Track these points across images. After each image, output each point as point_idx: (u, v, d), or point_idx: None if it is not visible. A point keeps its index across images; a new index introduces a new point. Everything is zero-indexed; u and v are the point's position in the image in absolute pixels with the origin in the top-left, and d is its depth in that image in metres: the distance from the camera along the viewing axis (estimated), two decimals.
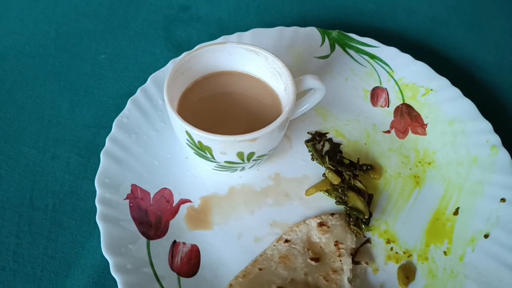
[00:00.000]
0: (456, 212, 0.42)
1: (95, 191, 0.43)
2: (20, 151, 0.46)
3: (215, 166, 0.42)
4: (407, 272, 0.39)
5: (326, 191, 0.43)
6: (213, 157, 0.40)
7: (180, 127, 0.38)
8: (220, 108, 0.44)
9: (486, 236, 0.40)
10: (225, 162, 0.40)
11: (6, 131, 0.48)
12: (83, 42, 0.56)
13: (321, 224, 0.41)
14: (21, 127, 0.48)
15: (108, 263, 0.39)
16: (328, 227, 0.41)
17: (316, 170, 0.45)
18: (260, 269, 0.38)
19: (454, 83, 0.49)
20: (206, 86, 0.44)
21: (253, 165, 0.43)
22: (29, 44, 0.55)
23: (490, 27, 0.61)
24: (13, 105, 0.50)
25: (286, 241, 0.40)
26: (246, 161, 0.40)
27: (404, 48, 0.52)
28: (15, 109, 0.49)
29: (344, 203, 0.42)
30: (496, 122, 0.46)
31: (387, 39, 0.53)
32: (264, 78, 0.44)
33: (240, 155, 0.39)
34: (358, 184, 0.43)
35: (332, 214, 0.42)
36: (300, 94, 0.42)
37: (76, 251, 0.41)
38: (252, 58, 0.44)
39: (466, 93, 0.48)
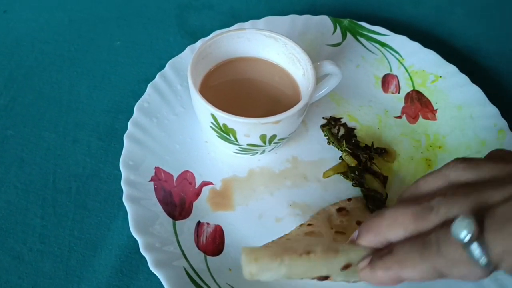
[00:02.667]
0: None
1: (117, 174, 0.44)
2: (41, 135, 0.47)
3: (236, 149, 0.43)
4: None
5: (343, 173, 0.45)
6: (236, 140, 0.41)
7: (206, 109, 0.39)
8: (239, 93, 0.45)
9: None
10: (247, 144, 0.41)
11: (25, 116, 0.48)
12: (97, 28, 0.56)
13: (340, 209, 0.42)
14: (40, 112, 0.49)
15: (134, 244, 0.40)
16: (347, 211, 0.42)
17: (332, 154, 0.46)
18: (288, 239, 0.39)
19: (461, 70, 0.51)
20: (225, 71, 0.45)
21: (272, 148, 0.44)
22: (43, 30, 0.56)
23: (493, 17, 0.63)
24: (30, 90, 0.50)
25: (309, 224, 0.41)
26: (267, 143, 0.42)
27: (412, 37, 0.54)
28: (33, 94, 0.50)
29: (361, 184, 0.44)
30: (503, 107, 0.48)
31: (395, 28, 0.55)
32: (282, 63, 0.46)
33: (263, 137, 0.40)
34: (374, 167, 0.45)
35: (349, 199, 0.43)
36: (317, 80, 0.44)
37: (102, 232, 0.41)
38: (270, 44, 0.45)
39: (473, 80, 0.50)
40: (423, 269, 0.28)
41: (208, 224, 0.41)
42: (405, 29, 0.56)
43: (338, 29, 0.55)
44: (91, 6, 0.59)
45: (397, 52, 0.53)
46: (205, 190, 0.43)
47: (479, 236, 0.25)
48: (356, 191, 0.44)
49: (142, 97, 0.46)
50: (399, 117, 0.50)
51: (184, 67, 0.49)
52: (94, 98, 0.50)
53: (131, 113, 0.45)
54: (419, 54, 0.52)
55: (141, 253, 0.37)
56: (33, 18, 0.57)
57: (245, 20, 0.54)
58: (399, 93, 0.51)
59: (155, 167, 0.43)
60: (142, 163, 0.42)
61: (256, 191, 0.44)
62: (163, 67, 0.49)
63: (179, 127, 0.46)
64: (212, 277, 0.38)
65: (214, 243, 0.40)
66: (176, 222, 0.41)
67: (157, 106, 0.46)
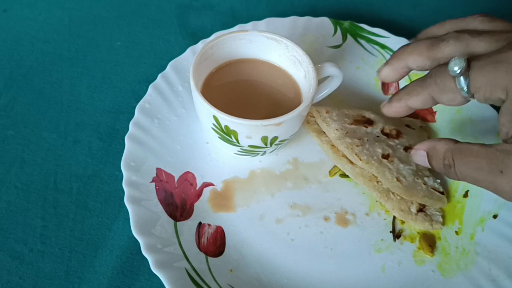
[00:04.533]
0: (466, 195, 0.44)
1: (118, 175, 0.44)
2: (41, 135, 0.47)
3: (238, 151, 0.43)
4: (429, 240, 0.41)
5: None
6: (238, 142, 0.41)
7: (208, 111, 0.39)
8: (240, 95, 0.45)
9: (495, 216, 0.42)
10: (249, 146, 0.42)
11: (26, 115, 0.48)
12: (97, 28, 0.56)
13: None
14: (41, 112, 0.48)
15: (135, 245, 0.40)
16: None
17: None
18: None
19: None
20: (227, 73, 0.46)
21: (273, 150, 0.44)
22: (42, 29, 0.55)
23: None
24: (30, 90, 0.50)
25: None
26: (269, 145, 0.42)
27: (411, 38, 0.54)
28: (33, 94, 0.50)
29: None
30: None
31: (395, 30, 0.55)
32: (284, 65, 0.46)
33: (264, 139, 0.41)
34: None
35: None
36: (318, 82, 0.44)
37: (103, 233, 0.41)
38: (272, 46, 0.45)
39: None
40: (423, 96, 0.37)
41: (209, 225, 0.41)
42: (405, 31, 0.56)
43: (339, 31, 0.55)
44: (90, 5, 0.59)
45: None
46: (206, 191, 0.43)
47: (465, 71, 0.34)
48: (357, 192, 0.44)
49: (144, 97, 0.46)
50: None
51: (185, 68, 0.49)
52: (95, 98, 0.50)
53: (132, 114, 0.45)
54: None
55: (142, 254, 0.37)
56: (33, 17, 0.57)
57: (245, 20, 0.54)
58: None
59: (157, 168, 0.43)
60: (143, 164, 0.43)
61: (257, 192, 0.44)
62: (163, 67, 0.49)
63: (180, 128, 0.46)
64: (214, 278, 0.38)
65: (215, 244, 0.40)
66: (177, 223, 0.41)
67: (158, 107, 0.46)
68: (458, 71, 0.34)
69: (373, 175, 0.43)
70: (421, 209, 0.43)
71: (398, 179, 0.42)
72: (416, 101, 0.38)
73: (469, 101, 0.36)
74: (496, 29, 0.38)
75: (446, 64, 0.35)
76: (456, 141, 0.36)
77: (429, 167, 0.38)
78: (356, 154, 0.43)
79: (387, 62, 0.41)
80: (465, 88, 0.34)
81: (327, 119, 0.46)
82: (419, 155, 0.38)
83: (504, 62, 0.33)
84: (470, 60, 0.34)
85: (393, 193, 0.42)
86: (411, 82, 0.39)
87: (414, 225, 0.42)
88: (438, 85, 0.36)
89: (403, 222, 0.43)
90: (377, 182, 0.42)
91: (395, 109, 0.40)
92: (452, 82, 0.35)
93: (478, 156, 0.34)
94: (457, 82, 0.34)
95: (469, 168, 0.34)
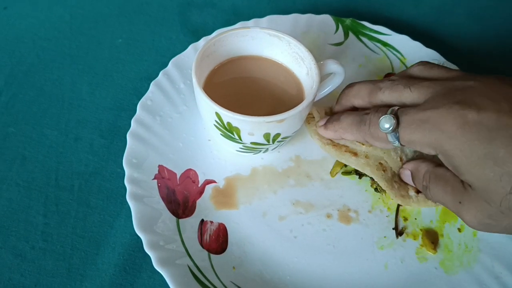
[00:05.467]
0: None
1: (120, 172, 0.44)
2: (43, 132, 0.47)
3: (240, 148, 0.43)
4: (432, 237, 0.41)
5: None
6: (240, 138, 0.41)
7: (210, 108, 0.39)
8: (243, 91, 0.45)
9: None
10: (251, 143, 0.41)
11: (27, 113, 0.48)
12: (98, 26, 0.56)
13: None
14: (42, 109, 0.48)
15: (137, 242, 0.40)
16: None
17: None
18: None
19: (462, 69, 0.51)
20: (229, 70, 0.45)
21: (276, 147, 0.44)
22: (44, 26, 0.55)
23: (494, 17, 0.63)
24: (32, 87, 0.50)
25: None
26: (271, 142, 0.42)
27: (413, 36, 0.54)
28: (34, 91, 0.50)
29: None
30: None
31: (397, 27, 0.55)
32: (286, 62, 0.46)
33: (266, 136, 0.40)
34: None
35: None
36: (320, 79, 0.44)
37: (104, 230, 0.41)
38: (274, 43, 0.45)
39: None
40: (357, 137, 0.41)
41: (211, 222, 0.41)
42: (406, 28, 0.56)
43: (340, 29, 0.55)
44: (91, 2, 0.58)
45: (399, 52, 0.53)
46: (208, 188, 0.43)
47: (395, 128, 0.37)
48: (359, 189, 0.44)
49: (145, 95, 0.46)
50: None
51: (187, 65, 0.48)
52: (96, 95, 0.50)
53: (133, 111, 0.45)
54: (421, 54, 0.52)
55: (144, 251, 0.37)
56: (34, 14, 0.56)
57: (247, 18, 0.54)
58: None
59: (159, 165, 0.43)
60: (145, 161, 0.42)
61: (259, 189, 0.44)
62: (165, 65, 0.48)
63: (182, 125, 0.46)
64: (216, 275, 0.38)
65: (217, 241, 0.40)
66: (180, 220, 0.41)
67: (160, 104, 0.46)
68: (389, 129, 0.37)
69: (379, 163, 0.42)
70: (419, 191, 0.43)
71: (401, 159, 0.43)
72: (350, 137, 0.42)
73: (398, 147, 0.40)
74: (433, 77, 0.39)
75: (380, 111, 0.38)
76: (437, 164, 0.38)
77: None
78: (358, 142, 0.43)
79: (337, 101, 0.45)
80: (396, 142, 0.37)
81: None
82: (405, 174, 0.42)
83: (426, 122, 0.35)
84: (399, 115, 0.37)
85: (395, 181, 0.42)
86: (346, 116, 0.42)
87: (418, 207, 0.43)
88: (371, 134, 0.39)
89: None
90: (384, 170, 0.42)
91: (329, 136, 0.44)
92: (383, 134, 0.38)
93: (447, 183, 0.37)
94: (388, 137, 0.38)
95: (438, 192, 0.37)
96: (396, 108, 0.37)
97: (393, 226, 0.42)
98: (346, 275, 0.40)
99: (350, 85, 0.44)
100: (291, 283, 0.39)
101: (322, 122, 0.44)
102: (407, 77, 0.40)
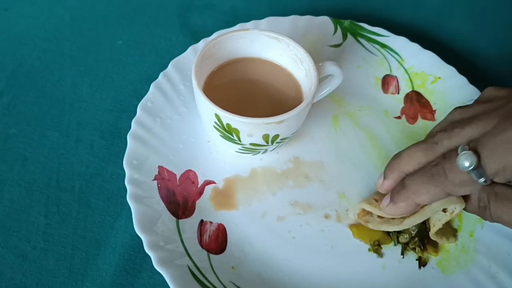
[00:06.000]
0: None
1: (120, 173, 0.44)
2: (43, 134, 0.47)
3: (239, 149, 0.43)
4: (433, 241, 0.41)
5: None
6: (239, 140, 0.41)
7: (209, 110, 0.39)
8: (242, 93, 0.45)
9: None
10: (250, 144, 0.42)
11: (28, 114, 0.48)
12: (98, 27, 0.56)
13: None
14: (43, 110, 0.49)
15: (138, 243, 0.41)
16: None
17: (333, 155, 0.47)
18: None
19: (460, 71, 0.52)
20: (228, 71, 0.46)
21: (275, 148, 0.44)
22: (44, 28, 0.56)
23: (491, 18, 0.63)
24: (32, 89, 0.50)
25: None
26: (270, 143, 0.42)
27: (411, 38, 0.54)
28: (35, 93, 0.50)
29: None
30: None
31: (395, 29, 0.56)
32: (285, 64, 0.46)
33: (265, 137, 0.41)
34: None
35: None
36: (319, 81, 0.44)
37: (105, 231, 0.42)
38: (273, 45, 0.45)
39: (471, 81, 0.51)
40: (436, 193, 0.36)
41: (211, 222, 0.42)
42: (405, 30, 0.56)
43: (339, 30, 0.55)
44: (92, 4, 0.59)
45: (397, 53, 0.54)
46: (208, 189, 0.44)
47: (478, 164, 0.33)
48: (360, 189, 0.45)
49: (145, 96, 0.46)
50: (399, 117, 0.50)
51: (187, 67, 0.49)
52: (97, 97, 0.50)
53: (133, 113, 0.45)
54: (419, 56, 0.53)
55: (144, 252, 0.38)
56: (34, 16, 0.57)
57: (246, 20, 0.54)
58: (398, 93, 0.52)
59: (159, 166, 0.43)
60: (145, 162, 0.43)
61: (258, 190, 0.44)
62: (165, 66, 0.49)
63: (182, 127, 0.46)
64: (216, 275, 0.39)
65: (217, 241, 0.41)
66: (179, 220, 0.41)
67: (160, 106, 0.46)
68: (471, 166, 0.33)
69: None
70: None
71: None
72: (427, 198, 0.37)
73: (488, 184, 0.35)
74: (478, 112, 0.37)
75: (450, 155, 0.35)
76: (490, 184, 0.35)
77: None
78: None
79: (385, 176, 0.40)
80: (483, 179, 0.33)
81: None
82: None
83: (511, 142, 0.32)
84: (476, 147, 0.33)
85: None
86: (411, 179, 0.38)
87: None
88: (452, 182, 0.35)
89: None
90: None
91: (402, 210, 0.39)
92: (465, 175, 0.34)
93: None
94: (472, 175, 0.33)
95: (503, 211, 0.35)
96: (467, 146, 0.34)
97: None
98: (344, 275, 0.40)
99: (396, 156, 0.40)
100: (289, 283, 0.39)
101: (386, 201, 0.40)
102: (453, 123, 0.38)
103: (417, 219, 0.40)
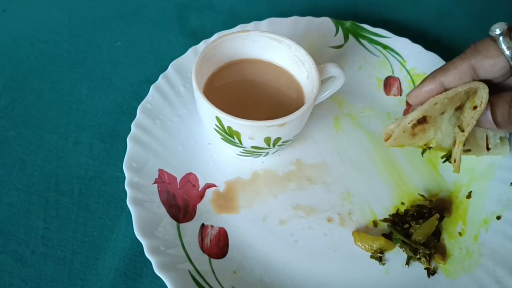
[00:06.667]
0: (469, 196, 0.44)
1: (120, 176, 0.44)
2: (42, 136, 0.46)
3: (240, 152, 0.43)
4: (441, 249, 0.41)
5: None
6: (240, 142, 0.41)
7: (210, 112, 0.39)
8: (243, 95, 0.45)
9: (498, 217, 0.42)
10: (251, 147, 0.41)
11: (26, 117, 0.48)
12: (97, 28, 0.56)
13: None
14: (41, 113, 0.48)
15: (138, 246, 0.40)
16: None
17: (336, 157, 0.46)
18: None
19: None
20: (229, 73, 0.45)
21: (276, 151, 0.44)
22: (42, 30, 0.55)
23: (493, 19, 0.62)
24: (31, 91, 0.50)
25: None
26: (271, 146, 0.42)
27: (413, 39, 0.54)
28: (33, 95, 0.49)
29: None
30: None
31: (397, 30, 0.55)
32: (286, 66, 0.46)
33: (267, 140, 0.40)
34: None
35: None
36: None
37: (105, 235, 0.41)
38: (274, 46, 0.45)
39: None
40: (462, 69, 0.38)
41: (212, 226, 0.41)
42: (406, 31, 0.56)
43: (340, 31, 0.55)
44: (89, 5, 0.58)
45: (399, 55, 0.53)
46: (209, 192, 0.43)
47: (507, 33, 0.35)
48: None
49: (145, 98, 0.46)
50: None
51: (187, 68, 0.48)
52: (96, 99, 0.50)
53: (133, 115, 0.45)
54: (421, 57, 0.52)
55: (144, 256, 0.37)
56: (32, 17, 0.56)
57: (246, 21, 0.53)
58: (401, 95, 0.51)
59: (159, 169, 0.43)
60: (145, 165, 0.42)
61: (260, 193, 0.44)
62: (164, 68, 0.48)
63: (182, 129, 0.46)
64: (217, 279, 0.38)
65: (218, 245, 0.40)
66: (180, 224, 0.40)
67: (160, 108, 0.46)
68: (499, 31, 0.35)
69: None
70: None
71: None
72: (453, 76, 0.38)
73: (509, 74, 0.37)
74: None
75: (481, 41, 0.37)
76: None
77: (492, 124, 0.39)
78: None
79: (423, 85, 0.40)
80: (508, 49, 0.35)
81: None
82: (485, 115, 0.39)
83: None
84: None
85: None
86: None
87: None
88: (479, 52, 0.37)
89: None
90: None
91: (426, 88, 0.39)
92: (494, 44, 0.36)
93: None
94: (500, 43, 0.36)
95: None
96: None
97: None
98: (347, 279, 0.40)
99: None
100: (291, 287, 0.39)
101: (414, 88, 0.41)
102: None
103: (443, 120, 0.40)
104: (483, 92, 0.38)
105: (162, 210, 0.41)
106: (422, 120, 0.40)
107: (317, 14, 0.56)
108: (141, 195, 0.40)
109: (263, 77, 0.46)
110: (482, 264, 0.40)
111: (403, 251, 0.41)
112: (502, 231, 0.41)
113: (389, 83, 0.52)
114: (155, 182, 0.42)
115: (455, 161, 0.41)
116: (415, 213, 0.43)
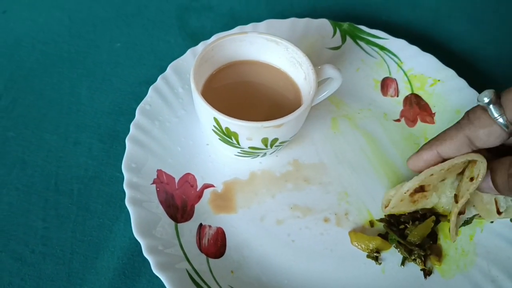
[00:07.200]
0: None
1: (119, 177, 0.44)
2: (42, 137, 0.47)
3: (238, 152, 0.43)
4: (436, 251, 0.42)
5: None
6: (238, 143, 0.41)
7: (208, 113, 0.39)
8: (241, 96, 0.45)
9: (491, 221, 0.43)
10: (249, 148, 0.42)
11: (26, 117, 0.48)
12: (97, 29, 0.56)
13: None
14: (41, 113, 0.48)
15: (136, 246, 0.41)
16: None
17: (332, 157, 0.47)
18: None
19: (459, 74, 0.52)
20: (227, 74, 0.46)
21: (274, 151, 0.44)
22: (43, 31, 0.55)
23: (491, 21, 0.63)
24: (31, 91, 0.50)
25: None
26: (269, 147, 0.42)
27: (410, 40, 0.54)
28: (33, 95, 0.50)
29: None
30: None
31: (394, 31, 0.55)
32: (284, 67, 0.46)
33: (264, 140, 0.41)
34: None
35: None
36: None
37: (104, 235, 0.42)
38: (272, 48, 0.45)
39: (471, 84, 0.51)
40: (458, 140, 0.37)
41: (210, 226, 0.42)
42: (404, 32, 0.56)
43: (338, 33, 0.55)
44: (90, 6, 0.59)
45: (396, 56, 0.54)
46: (207, 192, 0.43)
47: (496, 101, 0.35)
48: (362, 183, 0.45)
49: (144, 99, 0.46)
50: (398, 120, 0.50)
51: (186, 69, 0.49)
52: (95, 100, 0.50)
53: (132, 115, 0.45)
54: (418, 58, 0.53)
55: (143, 256, 0.38)
56: (33, 18, 0.57)
57: (245, 22, 0.54)
58: (398, 96, 0.52)
59: (157, 170, 0.43)
60: (144, 165, 0.43)
61: (257, 193, 0.44)
62: (164, 69, 0.49)
63: (180, 130, 0.46)
64: (215, 279, 0.39)
65: (216, 245, 0.41)
66: (178, 224, 0.41)
67: (159, 109, 0.46)
68: (487, 100, 0.35)
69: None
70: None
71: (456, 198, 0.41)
72: (449, 147, 0.38)
73: (509, 134, 0.35)
74: None
75: (473, 108, 0.37)
76: None
77: (494, 190, 0.37)
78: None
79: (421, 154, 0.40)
80: (501, 118, 0.35)
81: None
82: (486, 181, 0.37)
83: None
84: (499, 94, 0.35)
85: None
86: (440, 135, 0.39)
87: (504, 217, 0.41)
88: (472, 122, 0.36)
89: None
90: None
91: (424, 158, 0.39)
92: (485, 113, 0.35)
93: None
94: (491, 113, 0.35)
95: None
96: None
97: None
98: (343, 279, 0.40)
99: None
100: (288, 287, 0.39)
101: (412, 155, 0.41)
102: None
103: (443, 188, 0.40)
104: (481, 166, 0.37)
105: (161, 210, 0.41)
106: (419, 189, 0.40)
107: (316, 16, 0.56)
108: (140, 195, 0.41)
109: (261, 78, 0.46)
110: (477, 264, 0.40)
111: (399, 251, 0.42)
112: (497, 231, 0.42)
113: (386, 84, 0.52)
114: (153, 183, 0.42)
115: (449, 230, 0.40)
116: (406, 214, 0.43)
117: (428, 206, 0.42)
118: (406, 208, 0.42)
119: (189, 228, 0.41)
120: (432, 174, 0.39)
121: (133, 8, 0.59)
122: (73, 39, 0.55)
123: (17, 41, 0.54)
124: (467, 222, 0.42)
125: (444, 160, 0.39)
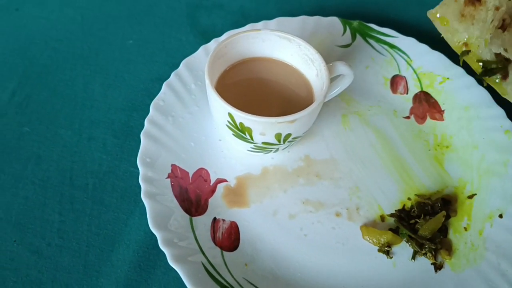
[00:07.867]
0: (471, 197, 0.45)
1: (133, 171, 0.45)
2: (56, 132, 0.47)
3: (251, 147, 0.44)
4: (446, 245, 0.42)
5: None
6: (252, 138, 0.42)
7: (223, 109, 0.40)
8: (254, 92, 0.46)
9: (500, 216, 0.43)
10: (262, 143, 0.42)
11: (41, 113, 0.49)
12: (109, 27, 0.57)
13: None
14: (55, 109, 0.49)
15: (151, 239, 0.41)
16: None
17: (343, 153, 0.47)
18: None
19: (468, 72, 0.52)
20: (240, 71, 0.46)
21: (286, 147, 0.45)
22: (55, 28, 0.56)
23: None
24: (45, 88, 0.51)
25: None
26: (282, 142, 0.43)
27: (420, 39, 0.55)
28: (47, 92, 0.50)
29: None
30: (508, 108, 0.49)
31: (403, 30, 0.56)
32: (296, 64, 0.47)
33: (278, 136, 0.41)
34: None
35: None
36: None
37: (119, 228, 0.42)
38: (284, 45, 0.46)
39: (479, 82, 0.51)
40: None
41: (223, 220, 0.42)
42: (413, 31, 0.57)
43: (348, 31, 0.56)
44: (101, 4, 0.59)
45: (405, 54, 0.54)
46: (220, 187, 0.44)
47: None
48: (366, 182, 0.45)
49: (158, 95, 0.47)
50: (408, 117, 0.51)
51: (198, 66, 0.49)
52: (109, 96, 0.51)
53: (144, 111, 0.46)
54: (427, 56, 0.53)
55: (158, 248, 0.38)
56: (45, 16, 0.57)
57: (255, 20, 0.54)
58: (407, 94, 0.52)
59: (172, 164, 0.44)
60: (158, 160, 0.43)
61: (269, 188, 0.45)
62: (175, 66, 0.49)
63: (193, 126, 0.47)
64: (229, 271, 0.39)
65: (230, 239, 0.41)
66: (193, 218, 0.41)
67: (172, 105, 0.47)
68: None
69: None
70: None
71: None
72: None
73: None
74: None
75: None
76: None
77: None
78: None
79: None
80: None
81: None
82: None
83: None
84: None
85: None
86: None
87: None
88: None
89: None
90: None
91: None
92: None
93: None
94: None
95: None
96: None
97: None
98: (355, 272, 0.41)
99: None
100: (301, 280, 0.40)
101: None
102: None
103: None
104: None
105: (175, 204, 0.42)
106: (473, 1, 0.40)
107: (325, 14, 0.57)
108: (155, 189, 0.41)
109: (274, 75, 0.47)
110: (487, 258, 0.41)
111: (409, 245, 0.42)
112: (507, 226, 0.42)
113: (395, 82, 0.53)
114: (168, 177, 0.43)
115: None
116: (416, 209, 0.44)
117: (466, 33, 0.42)
118: (452, 16, 0.41)
119: (203, 222, 0.41)
120: None
121: (144, 6, 0.60)
122: (85, 37, 0.56)
123: (30, 39, 0.55)
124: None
125: None
